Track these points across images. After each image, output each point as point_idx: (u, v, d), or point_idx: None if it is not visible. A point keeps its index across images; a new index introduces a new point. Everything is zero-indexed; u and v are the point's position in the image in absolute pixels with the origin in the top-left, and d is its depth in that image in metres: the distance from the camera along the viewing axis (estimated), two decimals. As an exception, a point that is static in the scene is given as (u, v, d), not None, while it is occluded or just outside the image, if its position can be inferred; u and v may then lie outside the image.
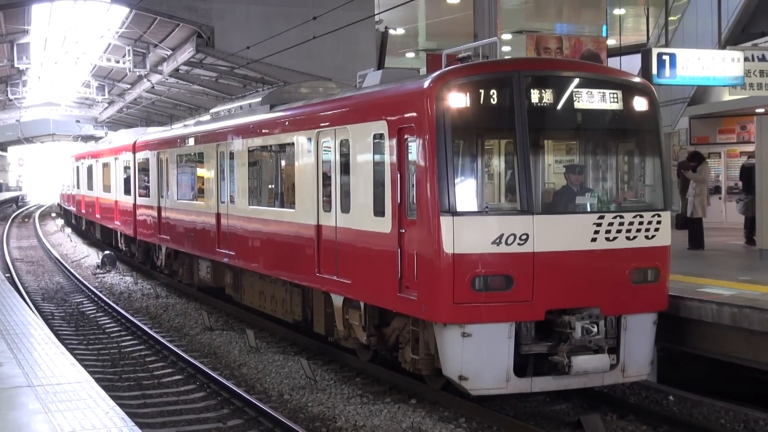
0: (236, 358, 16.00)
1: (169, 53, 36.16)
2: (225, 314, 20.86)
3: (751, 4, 25.67)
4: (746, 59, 18.22)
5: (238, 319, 20.17)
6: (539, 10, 34.70)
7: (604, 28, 32.03)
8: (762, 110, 21.49)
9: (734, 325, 12.23)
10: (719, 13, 21.21)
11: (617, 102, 12.10)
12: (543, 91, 11.70)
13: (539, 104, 11.68)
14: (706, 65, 18.04)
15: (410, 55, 37.77)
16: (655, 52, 17.91)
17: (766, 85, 18.34)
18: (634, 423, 11.81)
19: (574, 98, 11.86)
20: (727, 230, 24.48)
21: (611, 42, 32.19)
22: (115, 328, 19.57)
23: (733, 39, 24.66)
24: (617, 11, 33.62)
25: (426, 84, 11.68)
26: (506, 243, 11.21)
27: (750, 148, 24.63)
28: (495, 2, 23.10)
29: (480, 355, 11.27)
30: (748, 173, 21.17)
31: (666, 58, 17.72)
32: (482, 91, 11.40)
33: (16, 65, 38.75)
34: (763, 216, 18.08)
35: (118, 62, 39.60)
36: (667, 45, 25.18)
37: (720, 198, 27.28)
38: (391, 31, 31.40)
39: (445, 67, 12.50)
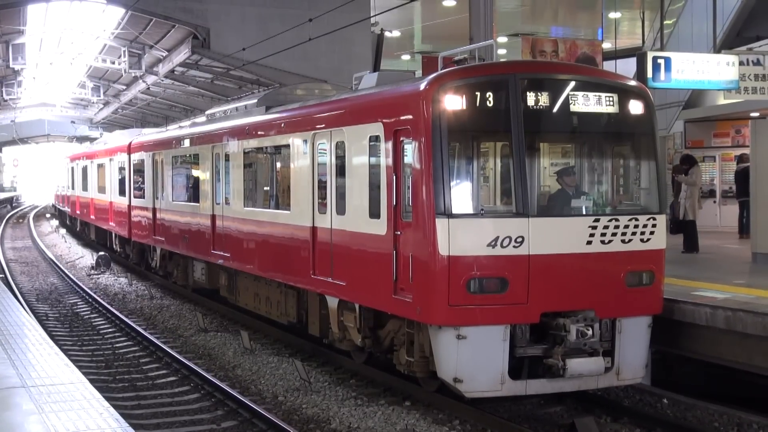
0: (231, 360, 16.01)
1: (164, 54, 36.21)
2: (219, 316, 20.87)
3: (746, 8, 25.76)
4: (741, 63, 18.35)
5: (232, 320, 20.17)
6: (535, 13, 34.71)
7: (600, 31, 32.02)
8: (757, 114, 21.70)
9: (728, 329, 12.25)
10: (714, 17, 21.24)
11: (613, 105, 12.08)
12: (539, 93, 11.67)
13: (535, 107, 11.65)
14: (701, 69, 18.12)
15: (406, 57, 37.81)
16: (650, 55, 18.00)
17: (760, 89, 18.46)
18: (627, 426, 11.82)
19: (570, 101, 11.84)
20: (721, 234, 24.57)
21: (607, 45, 32.21)
22: (110, 330, 19.58)
23: (728, 43, 24.79)
24: (613, 15, 33.67)
25: (422, 86, 11.64)
26: (501, 245, 11.19)
27: (743, 151, 24.72)
28: (491, 5, 23.12)
29: (475, 358, 11.24)
30: (742, 176, 21.28)
31: (661, 61, 17.80)
32: (478, 93, 11.38)
33: (11, 65, 38.70)
34: (757, 219, 18.11)
35: (113, 63, 39.57)
36: (662, 48, 25.16)
37: (714, 201, 27.37)
38: (387, 34, 31.42)
39: (441, 70, 12.43)
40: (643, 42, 32.36)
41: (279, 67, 27.82)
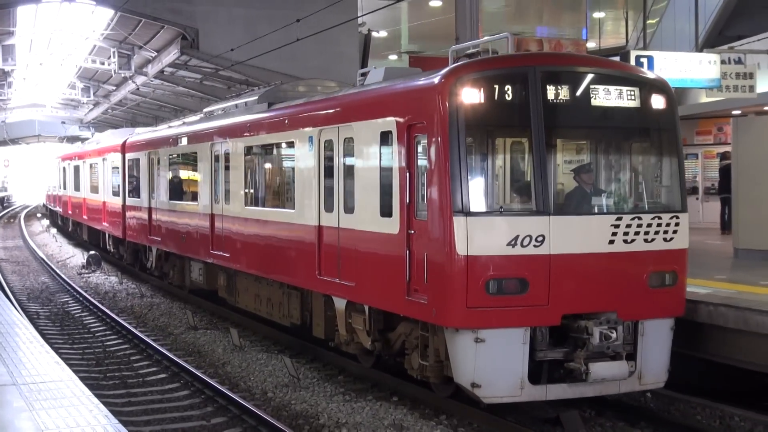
0: (220, 357, 16.10)
1: (153, 55, 36.21)
2: (209, 313, 20.93)
3: (728, 7, 25.95)
4: (723, 62, 18.46)
5: (222, 318, 20.24)
6: (520, 13, 34.86)
7: (584, 31, 32.20)
8: (738, 112, 21.86)
9: (711, 323, 12.35)
10: (696, 17, 21.42)
11: (635, 99, 11.68)
12: (559, 87, 11.23)
13: (555, 101, 11.21)
14: (684, 67, 18.23)
15: (393, 57, 37.89)
16: (633, 54, 18.10)
17: (742, 87, 18.59)
18: (612, 419, 11.91)
19: (591, 95, 11.44)
20: (704, 230, 24.71)
21: (591, 45, 32.42)
22: (100, 328, 19.63)
23: (710, 42, 24.97)
24: (597, 14, 33.91)
25: (438, 79, 11.20)
26: (521, 245, 10.78)
27: (725, 148, 24.99)
28: (476, 5, 23.12)
29: (494, 362, 10.85)
30: (724, 173, 21.51)
31: (644, 60, 17.90)
32: (497, 86, 10.95)
33: (1, 67, 38.69)
34: (738, 215, 18.31)
35: (103, 64, 39.55)
36: (645, 48, 25.41)
37: (697, 198, 27.58)
38: (374, 34, 31.54)
39: (451, 65, 11.85)
40: (627, 41, 32.54)
41: (267, 67, 27.72)
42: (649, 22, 28.66)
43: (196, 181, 20.82)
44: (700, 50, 20.58)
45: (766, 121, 19.68)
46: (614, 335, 11.05)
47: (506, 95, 11.00)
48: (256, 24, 28.00)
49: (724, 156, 23.86)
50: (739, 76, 18.67)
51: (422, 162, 11.40)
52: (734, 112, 22.56)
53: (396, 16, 32.72)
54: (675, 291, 11.75)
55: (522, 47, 26.19)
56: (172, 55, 32.49)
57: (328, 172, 13.95)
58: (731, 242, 18.77)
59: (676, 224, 11.68)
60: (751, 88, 18.74)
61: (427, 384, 12.38)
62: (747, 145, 17.92)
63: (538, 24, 34.02)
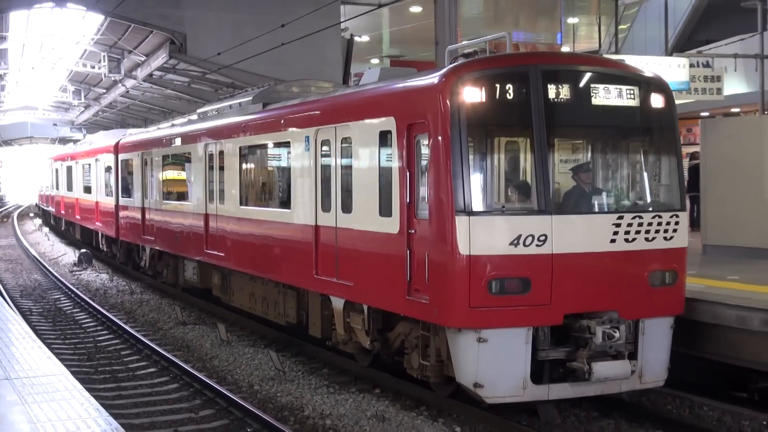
0: (208, 351, 16.29)
1: (143, 59, 36.27)
2: (198, 309, 21.06)
3: (696, 13, 26.34)
4: (691, 65, 18.87)
5: (210, 313, 20.40)
6: (497, 19, 34.96)
7: (559, 35, 32.40)
8: (706, 114, 22.32)
9: (683, 317, 12.33)
10: (666, 22, 21.70)
11: (634, 98, 11.59)
12: (560, 86, 11.13)
13: (556, 99, 11.12)
14: (654, 71, 18.69)
15: (375, 61, 37.96)
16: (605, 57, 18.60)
17: (710, 90, 19.02)
18: (586, 410, 12.09)
19: (592, 94, 11.35)
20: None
21: (565, 49, 32.67)
22: (92, 323, 19.79)
23: (679, 46, 25.44)
24: (571, 20, 34.05)
25: (439, 78, 11.08)
26: (524, 244, 10.68)
27: (694, 149, 25.48)
28: (455, 11, 23.42)
29: (496, 362, 10.76)
30: (693, 172, 21.95)
31: (615, 63, 18.39)
32: (498, 85, 10.85)
33: (-6, 71, 39.00)
34: (707, 213, 18.60)
35: (93, 67, 39.69)
36: (617, 52, 25.76)
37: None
38: (356, 39, 31.72)
39: (448, 65, 11.74)
40: (600, 45, 32.72)
41: (254, 70, 27.71)
42: (620, 27, 28.96)
43: (190, 181, 20.70)
44: (670, 54, 20.86)
45: (733, 122, 20.15)
46: (617, 334, 10.99)
47: (507, 94, 10.93)
48: (242, 28, 27.82)
49: (693, 156, 24.08)
50: (707, 79, 19.05)
51: (423, 161, 11.31)
52: (702, 114, 22.95)
53: (377, 21, 32.63)
54: (675, 290, 11.72)
55: (499, 51, 26.68)
56: (160, 59, 32.53)
57: (325, 171, 13.87)
58: (700, 239, 18.98)
59: (676, 223, 11.63)
60: (719, 91, 19.18)
61: (421, 382, 12.39)
62: (715, 146, 18.20)
63: (515, 29, 34.16)
